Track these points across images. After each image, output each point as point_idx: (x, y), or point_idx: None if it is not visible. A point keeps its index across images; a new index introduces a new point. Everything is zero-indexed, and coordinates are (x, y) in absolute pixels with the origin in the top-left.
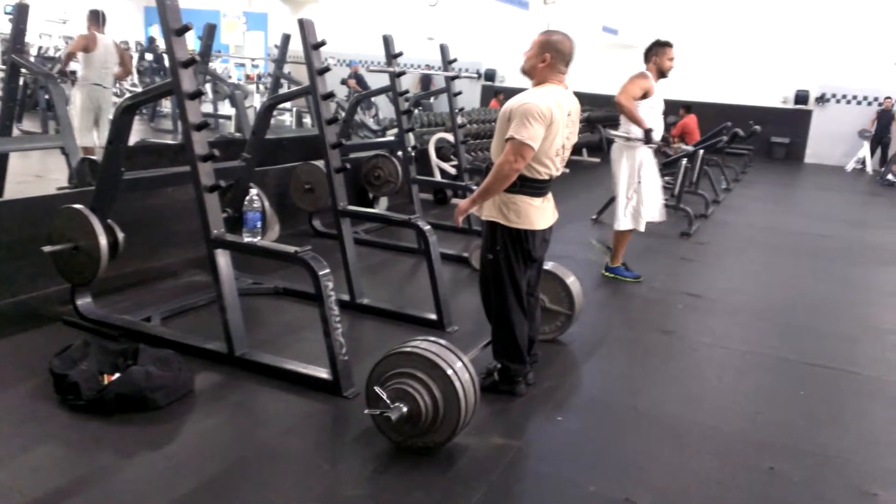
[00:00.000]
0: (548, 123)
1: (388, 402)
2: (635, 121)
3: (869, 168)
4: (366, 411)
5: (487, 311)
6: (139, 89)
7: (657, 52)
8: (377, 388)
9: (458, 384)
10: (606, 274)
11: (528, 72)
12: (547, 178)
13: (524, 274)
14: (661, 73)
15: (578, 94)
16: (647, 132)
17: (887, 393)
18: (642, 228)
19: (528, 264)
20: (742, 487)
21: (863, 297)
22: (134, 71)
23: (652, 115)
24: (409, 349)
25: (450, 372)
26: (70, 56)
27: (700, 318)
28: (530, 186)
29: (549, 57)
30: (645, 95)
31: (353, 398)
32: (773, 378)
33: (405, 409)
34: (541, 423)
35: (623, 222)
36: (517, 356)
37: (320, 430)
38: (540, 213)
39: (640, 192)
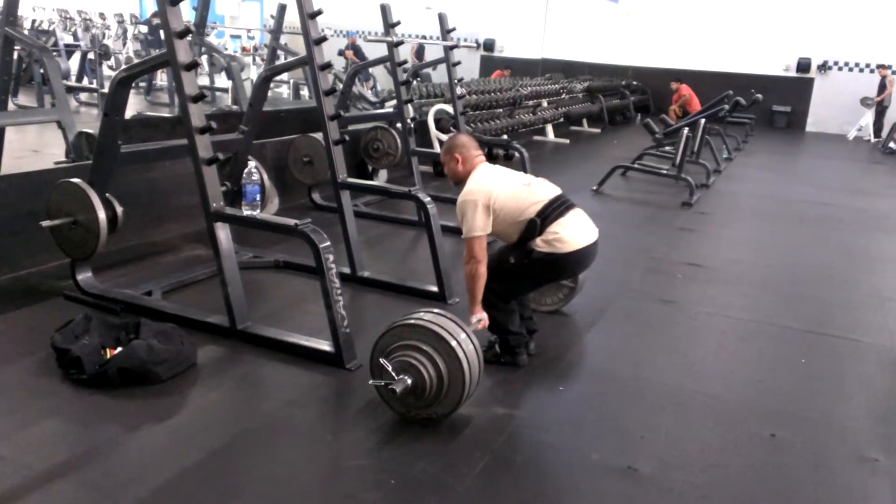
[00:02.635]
0: (488, 193)
1: (393, 374)
2: None
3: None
4: (370, 382)
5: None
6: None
7: None
8: (382, 361)
9: (462, 356)
10: None
11: (454, 178)
12: (549, 200)
13: (538, 288)
14: None
15: (579, 64)
16: None
17: (889, 360)
18: None
19: (546, 283)
20: (744, 454)
21: (864, 265)
22: (129, 42)
23: None
24: (413, 321)
25: (454, 343)
26: None
27: (701, 288)
28: (547, 215)
29: (459, 155)
30: None
31: (356, 370)
32: (775, 346)
33: (409, 382)
34: (543, 393)
35: None
36: (512, 332)
37: (323, 402)
38: (570, 231)
39: None
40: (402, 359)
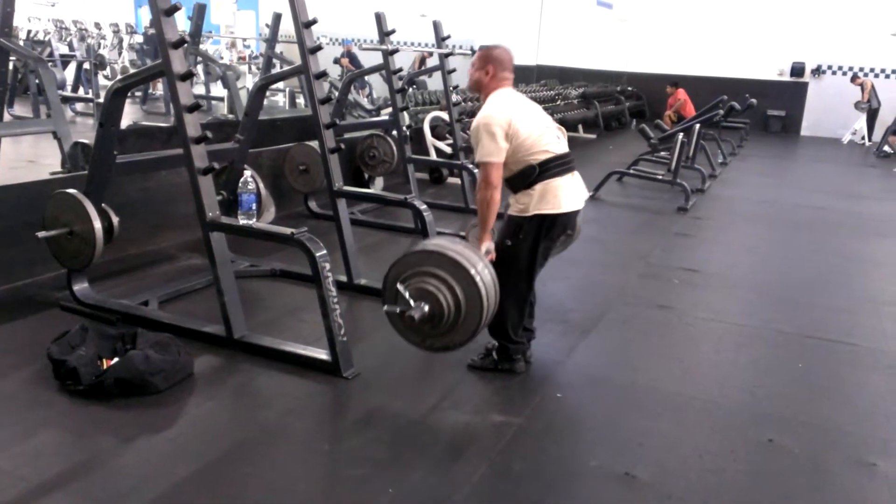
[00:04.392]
0: (509, 121)
1: (410, 301)
2: None
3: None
4: (385, 308)
5: None
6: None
7: None
8: (400, 286)
9: (479, 283)
10: None
11: (475, 87)
12: (556, 154)
13: (539, 266)
14: None
15: (573, 70)
16: None
17: (885, 364)
18: None
19: (545, 257)
20: (741, 460)
21: (860, 269)
22: (125, 52)
23: None
24: (431, 248)
25: (472, 271)
26: None
27: (697, 293)
28: (548, 168)
29: (492, 68)
30: None
31: (353, 378)
32: (771, 351)
33: (427, 309)
34: (540, 400)
35: None
36: (513, 340)
37: (321, 410)
38: (566, 192)
39: None
40: (419, 286)
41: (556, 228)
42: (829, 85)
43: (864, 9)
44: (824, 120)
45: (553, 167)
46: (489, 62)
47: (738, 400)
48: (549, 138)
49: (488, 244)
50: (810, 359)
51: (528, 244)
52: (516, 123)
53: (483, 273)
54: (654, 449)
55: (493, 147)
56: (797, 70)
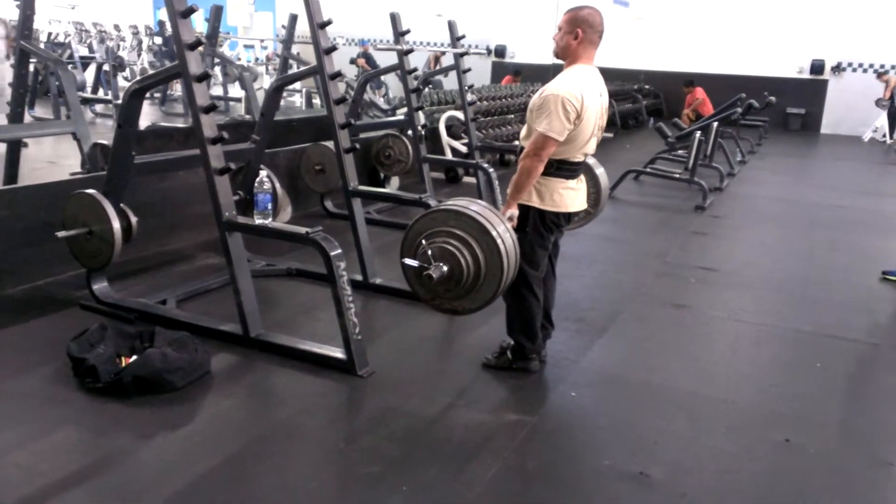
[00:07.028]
0: (578, 112)
1: (431, 259)
2: None
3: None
4: (406, 261)
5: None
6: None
7: None
8: (423, 242)
9: (503, 252)
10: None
11: (561, 52)
12: (581, 159)
13: (547, 253)
14: None
15: None
16: None
17: None
18: None
19: (550, 246)
20: (757, 460)
21: (879, 268)
22: (144, 54)
23: None
24: (459, 209)
25: (499, 244)
26: None
27: (714, 292)
28: (565, 169)
29: (581, 32)
30: None
31: (368, 377)
32: (789, 350)
33: (445, 269)
34: (555, 399)
35: None
36: (531, 334)
37: (336, 409)
38: (573, 196)
39: None
40: (441, 245)
41: (561, 223)
42: (849, 82)
43: (885, 5)
44: (845, 118)
45: (568, 170)
46: (578, 24)
47: (755, 399)
48: (590, 144)
49: (513, 211)
50: (828, 358)
51: (535, 234)
52: (584, 116)
53: (505, 236)
54: (668, 448)
55: (560, 126)
56: (817, 67)
